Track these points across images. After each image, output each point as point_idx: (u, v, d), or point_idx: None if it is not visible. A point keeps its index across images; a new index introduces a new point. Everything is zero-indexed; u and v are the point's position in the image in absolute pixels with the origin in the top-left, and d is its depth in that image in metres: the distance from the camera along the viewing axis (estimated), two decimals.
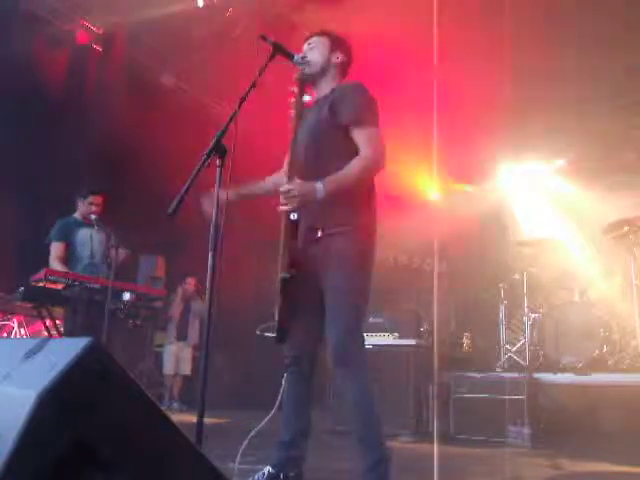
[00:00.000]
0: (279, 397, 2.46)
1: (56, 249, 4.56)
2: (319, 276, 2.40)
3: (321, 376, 2.42)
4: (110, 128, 6.40)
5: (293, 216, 2.34)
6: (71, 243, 4.61)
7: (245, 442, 2.40)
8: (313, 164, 2.42)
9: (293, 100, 2.52)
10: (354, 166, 2.32)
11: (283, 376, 2.48)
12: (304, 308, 2.40)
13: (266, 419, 2.38)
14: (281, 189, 2.26)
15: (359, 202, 2.41)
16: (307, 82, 2.62)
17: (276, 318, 2.39)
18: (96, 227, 4.61)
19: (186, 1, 6.03)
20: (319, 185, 2.24)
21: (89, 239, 4.61)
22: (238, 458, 2.39)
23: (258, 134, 6.66)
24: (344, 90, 2.50)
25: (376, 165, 2.37)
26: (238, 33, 6.18)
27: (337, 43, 2.64)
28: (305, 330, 2.45)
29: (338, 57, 2.62)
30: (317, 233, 2.39)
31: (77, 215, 4.74)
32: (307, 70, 2.58)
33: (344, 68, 2.66)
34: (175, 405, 6.91)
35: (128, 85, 6.59)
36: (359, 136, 2.38)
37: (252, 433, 2.38)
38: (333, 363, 2.32)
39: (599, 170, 7.02)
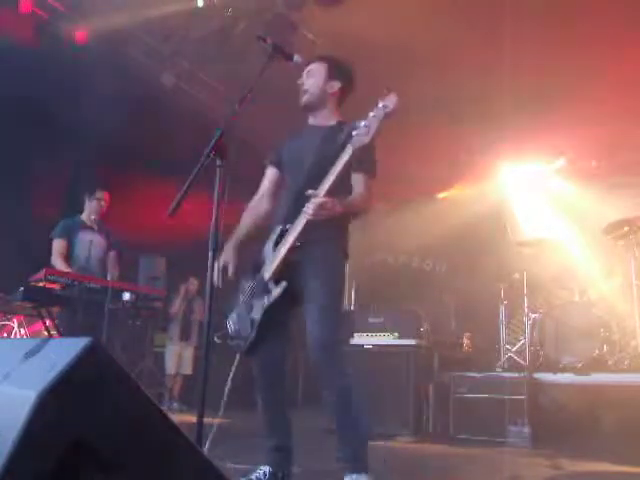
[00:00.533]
0: (225, 394, 2.58)
1: (58, 245, 4.62)
2: (298, 282, 2.47)
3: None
4: (110, 128, 6.40)
5: (286, 227, 2.46)
6: (71, 243, 4.64)
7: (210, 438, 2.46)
8: (310, 185, 2.43)
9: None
10: (358, 199, 2.52)
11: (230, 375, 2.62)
12: (274, 317, 2.48)
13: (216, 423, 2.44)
14: (316, 200, 2.31)
15: (342, 222, 2.56)
16: (307, 109, 2.70)
17: (231, 327, 2.56)
18: (96, 227, 4.63)
19: (186, 1, 6.03)
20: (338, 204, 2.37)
21: (89, 243, 4.64)
22: (207, 447, 2.41)
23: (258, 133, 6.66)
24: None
25: (368, 207, 2.59)
26: (238, 33, 6.17)
27: (334, 70, 2.68)
28: (274, 338, 2.55)
29: (333, 86, 2.67)
30: (302, 241, 2.45)
31: (83, 216, 4.77)
32: (305, 99, 2.66)
33: (341, 96, 2.72)
34: (175, 405, 6.90)
35: (128, 85, 6.58)
36: (361, 180, 2.55)
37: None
38: (317, 365, 2.39)
39: (599, 170, 7.03)
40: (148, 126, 6.76)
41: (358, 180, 2.55)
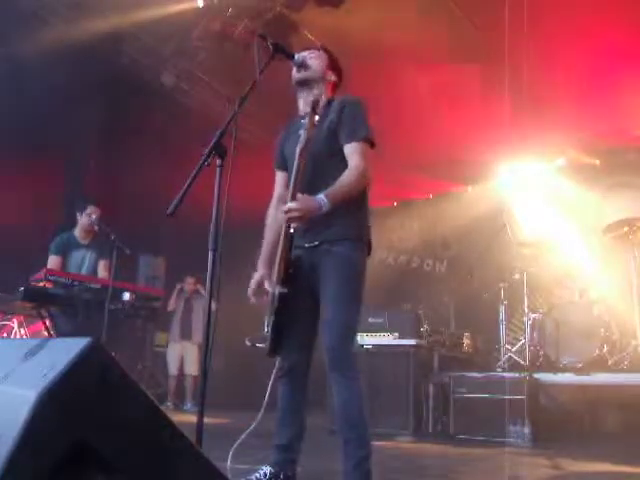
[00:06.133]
0: (265, 400, 2.51)
1: (52, 261, 4.74)
2: (315, 282, 2.44)
3: (321, 377, 2.43)
4: (110, 128, 6.40)
5: (291, 229, 2.38)
6: (65, 259, 4.80)
7: (236, 444, 2.44)
8: (311, 177, 2.41)
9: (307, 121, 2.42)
10: (350, 177, 2.37)
11: (269, 382, 2.54)
12: (296, 320, 2.45)
13: (253, 425, 2.43)
14: (283, 208, 2.26)
15: (353, 212, 2.46)
16: (300, 85, 2.63)
17: (266, 329, 2.47)
18: (89, 241, 4.78)
19: (186, 1, 6.03)
20: (323, 200, 2.26)
21: (80, 261, 4.82)
22: (229, 460, 2.41)
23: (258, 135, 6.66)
24: (343, 105, 2.47)
25: (365, 177, 2.42)
26: (238, 33, 6.18)
27: (333, 63, 2.69)
28: (297, 342, 2.51)
29: (332, 77, 2.67)
30: (315, 242, 2.42)
31: (76, 232, 4.85)
32: (304, 73, 2.59)
33: (334, 88, 2.70)
34: (188, 406, 6.85)
35: (128, 85, 6.58)
36: (352, 151, 2.42)
37: (242, 436, 2.43)
38: (329, 365, 2.36)
39: (599, 170, 7.03)
40: (148, 126, 6.77)
41: (349, 152, 2.41)
